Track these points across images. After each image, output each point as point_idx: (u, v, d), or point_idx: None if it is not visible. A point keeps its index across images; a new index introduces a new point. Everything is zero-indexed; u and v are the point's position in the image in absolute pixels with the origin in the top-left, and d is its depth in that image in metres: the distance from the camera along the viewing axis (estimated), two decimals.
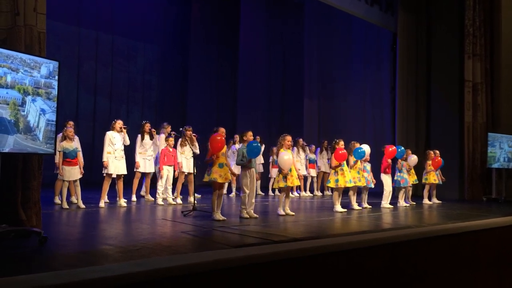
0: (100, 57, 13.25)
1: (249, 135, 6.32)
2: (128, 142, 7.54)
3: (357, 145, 7.77)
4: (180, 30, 15.05)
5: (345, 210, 7.25)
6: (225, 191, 9.94)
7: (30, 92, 4.06)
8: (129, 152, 7.95)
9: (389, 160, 8.27)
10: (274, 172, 10.51)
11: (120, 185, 7.36)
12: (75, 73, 12.65)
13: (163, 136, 8.40)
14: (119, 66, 13.68)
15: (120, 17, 13.49)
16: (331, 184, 7.38)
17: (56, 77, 4.29)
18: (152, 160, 8.32)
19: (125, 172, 7.43)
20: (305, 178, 11.22)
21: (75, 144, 6.97)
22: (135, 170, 8.09)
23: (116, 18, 13.44)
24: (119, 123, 7.42)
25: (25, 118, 4.02)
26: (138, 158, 8.11)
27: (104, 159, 7.19)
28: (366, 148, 7.96)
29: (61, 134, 7.40)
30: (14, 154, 4.13)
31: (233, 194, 10.21)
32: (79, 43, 12.79)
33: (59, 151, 6.70)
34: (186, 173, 8.25)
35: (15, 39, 4.24)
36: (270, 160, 10.85)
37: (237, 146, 9.31)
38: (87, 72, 12.99)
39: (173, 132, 8.10)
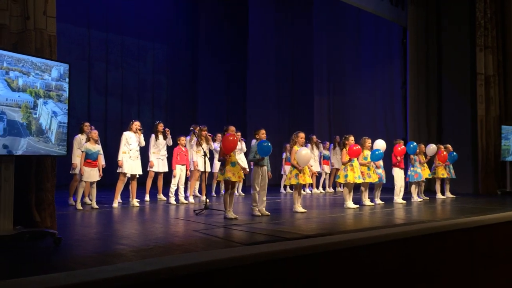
0: (110, 58, 13.36)
1: (261, 133, 6.36)
2: (143, 144, 7.65)
3: (368, 140, 7.70)
4: (189, 28, 15.11)
5: (357, 206, 7.21)
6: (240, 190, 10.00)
7: (41, 95, 4.11)
8: (144, 153, 7.99)
9: (398, 157, 8.20)
10: (287, 169, 10.45)
11: (133, 185, 7.45)
12: (86, 75, 12.77)
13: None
14: (129, 66, 13.78)
15: (129, 18, 13.59)
16: (341, 180, 7.36)
17: (67, 80, 4.34)
18: (165, 160, 8.39)
19: (140, 172, 7.53)
20: (319, 175, 11.14)
21: (98, 146, 7.08)
22: (148, 169, 8.18)
23: (125, 19, 13.54)
24: (136, 124, 7.55)
25: (37, 121, 4.07)
26: (152, 157, 8.19)
27: (119, 158, 7.30)
28: (381, 145, 7.88)
29: (79, 135, 7.53)
30: (27, 157, 4.19)
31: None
32: (89, 45, 12.91)
33: (82, 151, 6.90)
34: (201, 172, 8.47)
35: (26, 43, 4.30)
36: (284, 157, 10.74)
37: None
38: (98, 74, 13.10)
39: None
